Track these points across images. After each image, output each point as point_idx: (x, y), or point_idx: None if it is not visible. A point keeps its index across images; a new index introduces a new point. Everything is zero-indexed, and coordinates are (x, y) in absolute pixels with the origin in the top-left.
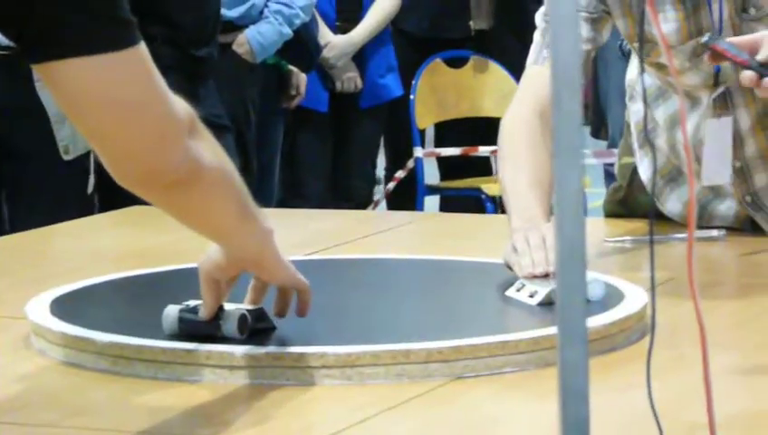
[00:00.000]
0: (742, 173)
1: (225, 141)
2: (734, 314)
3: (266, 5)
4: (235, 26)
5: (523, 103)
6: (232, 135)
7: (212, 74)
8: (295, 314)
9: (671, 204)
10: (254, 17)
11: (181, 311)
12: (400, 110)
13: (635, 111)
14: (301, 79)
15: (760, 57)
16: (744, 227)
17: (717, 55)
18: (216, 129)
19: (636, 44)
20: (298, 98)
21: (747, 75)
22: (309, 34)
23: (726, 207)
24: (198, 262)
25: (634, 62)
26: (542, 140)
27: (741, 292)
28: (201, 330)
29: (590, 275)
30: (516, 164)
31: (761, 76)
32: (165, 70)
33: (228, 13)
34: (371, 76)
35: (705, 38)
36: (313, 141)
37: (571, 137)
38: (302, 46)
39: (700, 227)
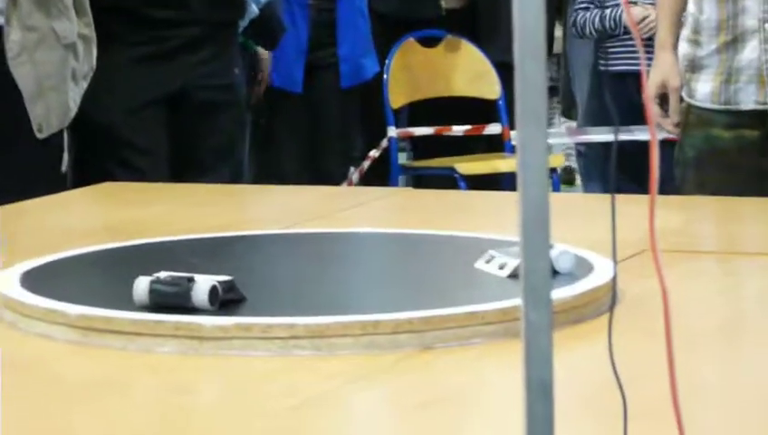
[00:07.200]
0: None
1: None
2: (708, 286)
3: None
4: None
5: None
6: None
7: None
8: None
9: (701, 85)
10: None
11: (152, 282)
12: (374, 89)
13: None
14: (265, 63)
15: None
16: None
17: None
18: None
19: None
20: (263, 84)
21: None
22: (273, 11)
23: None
24: None
25: None
26: None
27: (718, 261)
28: (172, 301)
29: (560, 247)
30: None
31: None
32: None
33: None
34: (352, 56)
35: None
36: (288, 122)
37: (535, 104)
38: (265, 24)
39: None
